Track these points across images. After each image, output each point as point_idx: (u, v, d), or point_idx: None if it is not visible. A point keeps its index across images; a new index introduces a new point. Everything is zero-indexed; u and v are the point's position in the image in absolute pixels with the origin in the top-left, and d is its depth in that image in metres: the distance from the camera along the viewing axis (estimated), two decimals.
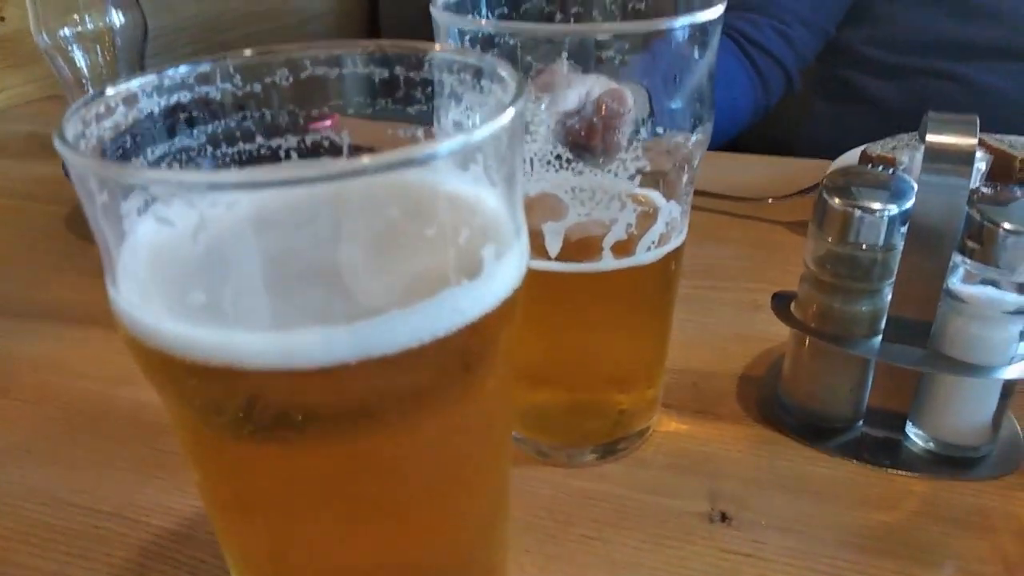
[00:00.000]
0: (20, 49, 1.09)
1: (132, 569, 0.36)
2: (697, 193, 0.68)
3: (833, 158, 0.72)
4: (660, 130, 0.34)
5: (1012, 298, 0.38)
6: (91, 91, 0.24)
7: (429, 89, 0.28)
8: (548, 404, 0.41)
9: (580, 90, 0.34)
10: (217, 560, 0.36)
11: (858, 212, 0.39)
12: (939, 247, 0.38)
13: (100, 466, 0.43)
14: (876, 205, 0.39)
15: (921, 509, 0.38)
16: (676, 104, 0.35)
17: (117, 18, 0.84)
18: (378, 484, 0.25)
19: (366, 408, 0.22)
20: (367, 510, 0.26)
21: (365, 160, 0.19)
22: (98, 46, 0.86)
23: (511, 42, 0.32)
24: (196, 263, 0.22)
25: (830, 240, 0.40)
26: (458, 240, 0.23)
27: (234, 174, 0.22)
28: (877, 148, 0.68)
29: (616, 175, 0.34)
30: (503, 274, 0.23)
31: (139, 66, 0.89)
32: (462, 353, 0.23)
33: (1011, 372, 0.39)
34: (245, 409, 0.22)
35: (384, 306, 0.21)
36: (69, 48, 0.85)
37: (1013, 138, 0.70)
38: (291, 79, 0.29)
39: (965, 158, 0.37)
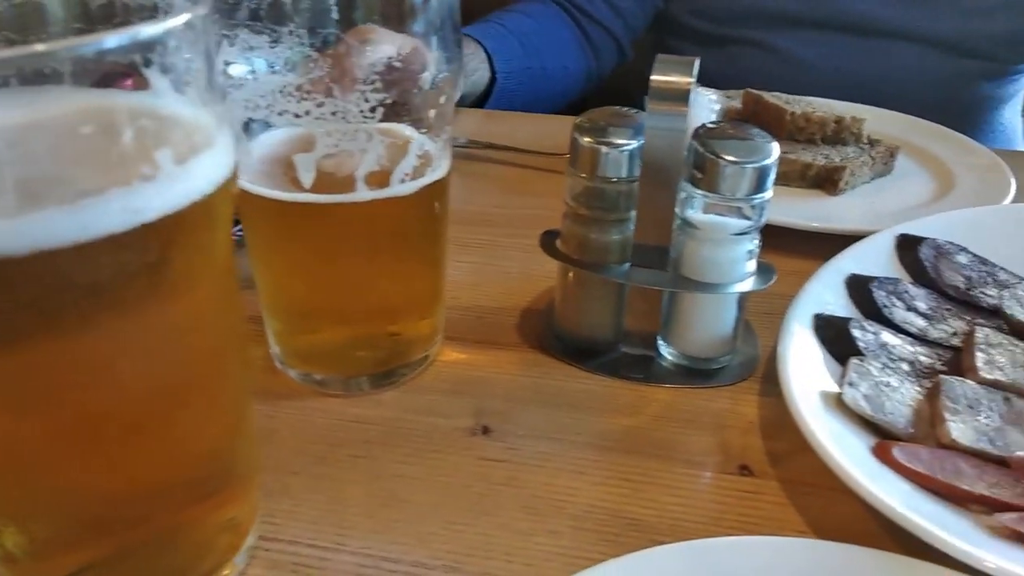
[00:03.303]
0: None
1: None
2: (500, 148, 0.72)
3: None
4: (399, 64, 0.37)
5: (735, 222, 0.42)
6: None
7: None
8: (319, 336, 0.43)
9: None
10: None
11: (603, 148, 0.42)
12: (668, 178, 0.42)
13: None
14: (618, 141, 0.42)
15: (661, 413, 0.43)
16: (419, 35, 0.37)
17: None
18: (81, 389, 0.26)
19: (40, 305, 0.23)
20: (79, 419, 0.26)
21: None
22: None
23: None
24: None
25: (583, 176, 0.43)
26: (129, 143, 0.24)
27: None
28: None
29: (358, 107, 0.36)
30: (186, 179, 0.25)
31: None
32: (141, 252, 0.24)
33: (740, 287, 0.43)
34: None
35: (55, 203, 0.22)
36: None
37: (797, 98, 0.76)
38: None
39: (682, 96, 0.41)
